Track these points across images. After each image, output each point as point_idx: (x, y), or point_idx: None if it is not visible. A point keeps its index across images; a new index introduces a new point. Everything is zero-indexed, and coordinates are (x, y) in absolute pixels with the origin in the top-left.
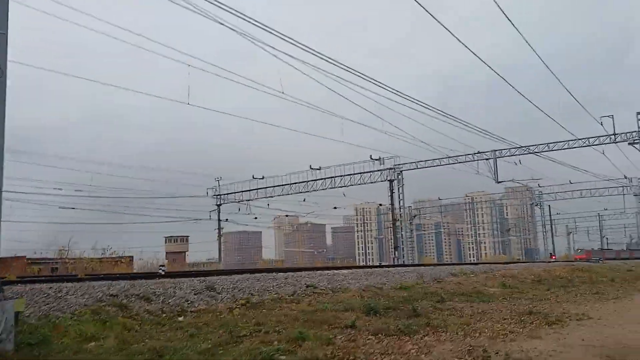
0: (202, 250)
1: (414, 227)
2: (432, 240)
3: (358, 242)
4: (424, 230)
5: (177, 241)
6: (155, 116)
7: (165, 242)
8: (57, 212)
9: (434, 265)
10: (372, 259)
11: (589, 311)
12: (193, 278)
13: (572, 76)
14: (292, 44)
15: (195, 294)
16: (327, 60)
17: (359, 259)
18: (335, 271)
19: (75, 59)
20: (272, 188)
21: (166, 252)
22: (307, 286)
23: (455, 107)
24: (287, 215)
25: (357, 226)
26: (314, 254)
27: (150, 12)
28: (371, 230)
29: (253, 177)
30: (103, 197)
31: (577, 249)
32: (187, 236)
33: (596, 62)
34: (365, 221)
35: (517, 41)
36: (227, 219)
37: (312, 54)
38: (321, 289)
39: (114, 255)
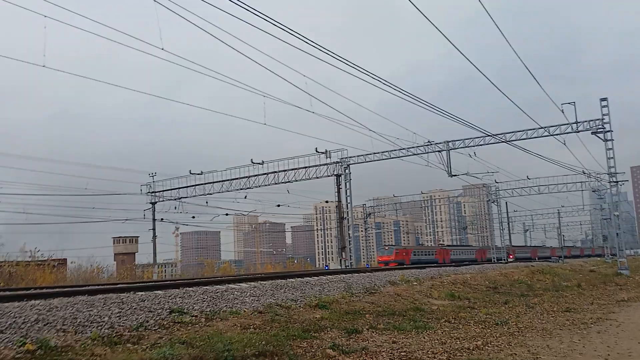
0: (158, 251)
1: (373, 226)
2: (392, 239)
3: (318, 241)
4: (382, 229)
5: (125, 242)
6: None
7: (114, 243)
8: None
9: (372, 271)
10: (332, 257)
11: (569, 354)
12: None
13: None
14: None
15: None
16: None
17: (318, 258)
18: (232, 285)
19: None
20: (211, 185)
21: (114, 254)
22: (171, 312)
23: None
24: (226, 214)
25: (316, 225)
26: (273, 254)
27: None
28: (331, 229)
29: (190, 173)
30: (25, 194)
31: (384, 246)
32: (137, 237)
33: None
34: (325, 220)
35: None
36: (162, 219)
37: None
38: (191, 316)
39: (45, 259)
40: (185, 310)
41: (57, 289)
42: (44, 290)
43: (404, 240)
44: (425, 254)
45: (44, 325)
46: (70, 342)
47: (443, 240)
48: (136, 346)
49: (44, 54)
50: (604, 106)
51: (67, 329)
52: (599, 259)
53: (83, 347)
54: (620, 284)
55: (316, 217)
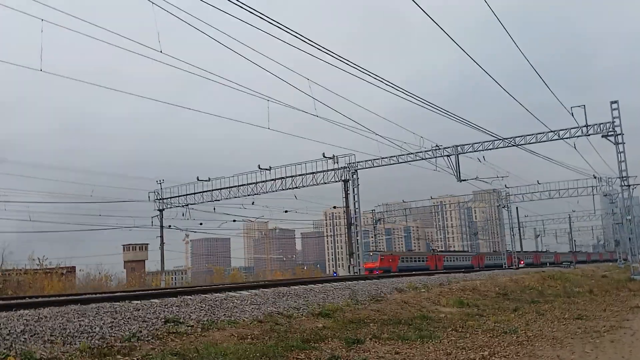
0: (168, 258)
1: (383, 232)
2: (402, 244)
3: (328, 247)
4: (392, 235)
5: (135, 249)
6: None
7: (124, 251)
8: None
9: (379, 278)
10: (342, 264)
11: None
12: None
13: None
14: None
15: None
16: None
17: (328, 265)
18: (232, 293)
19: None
20: (218, 191)
21: (124, 261)
22: (166, 321)
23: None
24: (234, 220)
25: (326, 231)
26: (283, 260)
27: None
28: (341, 235)
29: (198, 179)
30: (33, 202)
31: (369, 252)
32: (147, 244)
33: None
34: (335, 226)
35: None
36: (170, 225)
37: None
38: (187, 326)
39: (53, 267)
40: (181, 320)
41: (51, 298)
42: (39, 300)
43: (415, 246)
44: (415, 260)
45: (31, 336)
46: (57, 353)
47: (454, 246)
48: (127, 358)
49: (41, 57)
50: (615, 109)
51: (55, 340)
52: (610, 264)
53: (70, 359)
54: (633, 290)
55: (326, 223)
